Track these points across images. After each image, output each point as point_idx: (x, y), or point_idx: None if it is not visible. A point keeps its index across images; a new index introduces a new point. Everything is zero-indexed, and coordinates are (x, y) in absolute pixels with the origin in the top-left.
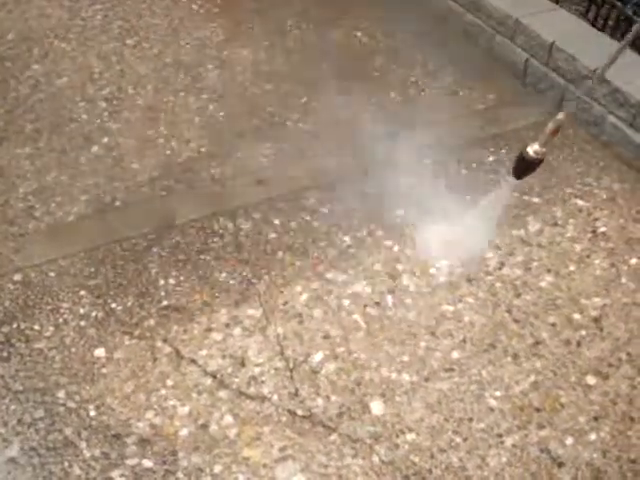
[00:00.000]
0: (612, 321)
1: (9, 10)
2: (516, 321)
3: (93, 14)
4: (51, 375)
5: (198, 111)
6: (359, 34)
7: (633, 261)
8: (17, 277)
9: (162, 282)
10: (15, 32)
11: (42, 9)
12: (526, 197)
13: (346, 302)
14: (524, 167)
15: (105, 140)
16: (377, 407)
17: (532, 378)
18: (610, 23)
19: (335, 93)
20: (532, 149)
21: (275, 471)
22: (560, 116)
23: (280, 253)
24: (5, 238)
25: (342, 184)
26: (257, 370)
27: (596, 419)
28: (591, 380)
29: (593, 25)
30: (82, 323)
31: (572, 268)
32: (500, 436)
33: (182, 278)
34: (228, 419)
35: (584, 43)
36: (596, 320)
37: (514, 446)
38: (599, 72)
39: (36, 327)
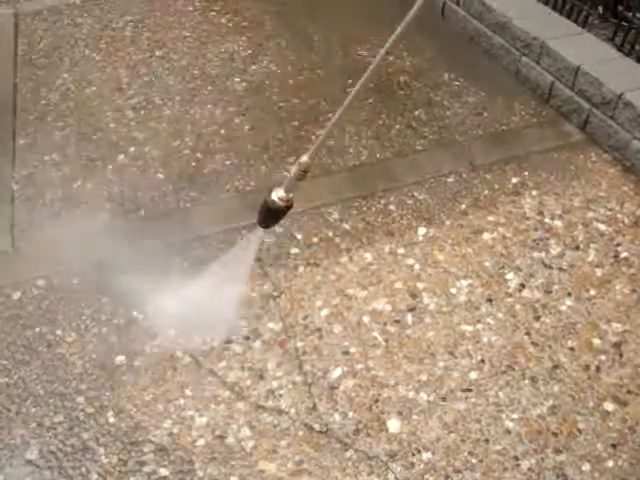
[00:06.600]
0: (632, 347)
1: (42, 19)
2: (535, 344)
3: (123, 25)
4: (71, 380)
5: (224, 123)
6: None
7: None
8: (41, 282)
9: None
10: (47, 41)
11: (73, 19)
12: (548, 220)
13: (366, 319)
14: (269, 214)
15: (131, 149)
16: (394, 425)
17: (550, 402)
18: (637, 48)
19: (359, 109)
20: (277, 195)
21: None
22: (304, 159)
23: (302, 268)
24: (31, 244)
25: (365, 200)
26: (275, 384)
27: (614, 446)
28: (609, 406)
29: (620, 50)
30: (104, 330)
31: (593, 292)
32: (516, 459)
33: None
34: (245, 431)
35: (610, 67)
36: (616, 346)
37: (530, 470)
38: None
39: (58, 332)
